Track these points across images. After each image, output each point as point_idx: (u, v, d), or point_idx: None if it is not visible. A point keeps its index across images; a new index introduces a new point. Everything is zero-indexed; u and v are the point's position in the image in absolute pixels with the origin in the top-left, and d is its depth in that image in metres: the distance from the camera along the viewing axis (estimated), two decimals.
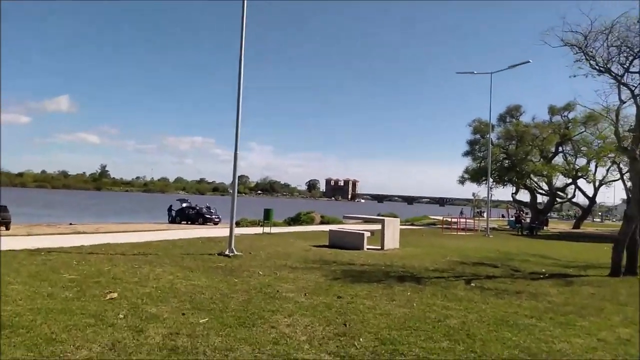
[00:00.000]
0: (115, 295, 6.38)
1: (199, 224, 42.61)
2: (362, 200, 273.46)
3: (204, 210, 44.97)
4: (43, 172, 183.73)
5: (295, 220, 40.49)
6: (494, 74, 28.94)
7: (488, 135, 37.79)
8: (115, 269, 8.94)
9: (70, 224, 38.13)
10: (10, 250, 10.72)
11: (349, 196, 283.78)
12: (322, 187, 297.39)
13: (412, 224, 42.09)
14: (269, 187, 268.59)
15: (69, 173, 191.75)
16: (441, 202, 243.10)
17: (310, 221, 40.57)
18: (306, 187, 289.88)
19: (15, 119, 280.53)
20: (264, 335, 4.99)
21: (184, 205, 45.82)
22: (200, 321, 5.37)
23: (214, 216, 44.21)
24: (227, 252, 11.35)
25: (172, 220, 44.55)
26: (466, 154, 43.97)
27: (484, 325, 5.81)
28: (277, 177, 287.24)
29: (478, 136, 42.91)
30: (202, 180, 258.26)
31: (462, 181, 45.19)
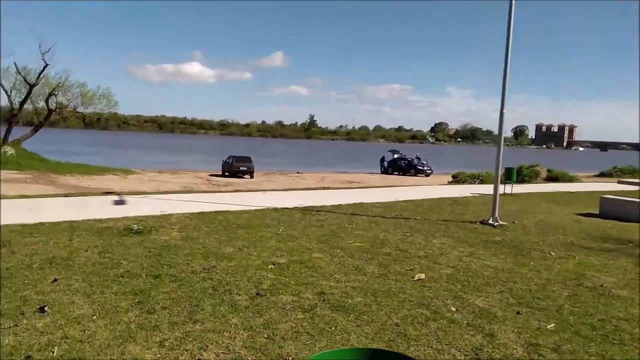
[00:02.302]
0: (423, 276, 6.08)
1: (411, 175, 42.64)
2: (581, 149, 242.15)
3: (415, 161, 44.70)
4: (263, 122, 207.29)
5: (516, 175, 37.16)
6: None
7: None
8: (388, 235, 8.86)
9: (298, 172, 41.96)
10: (284, 208, 11.67)
11: (564, 144, 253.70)
12: (531, 133, 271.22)
13: None
14: (469, 135, 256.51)
15: (284, 123, 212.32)
16: None
17: (535, 176, 36.75)
18: (512, 134, 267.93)
19: (240, 75, 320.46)
20: None
21: (396, 156, 46.26)
22: (548, 327, 4.64)
23: (425, 167, 43.69)
24: (490, 221, 10.45)
25: (385, 171, 45.55)
26: None
27: None
28: (477, 124, 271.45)
29: None
30: (400, 128, 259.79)
31: None
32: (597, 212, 13.10)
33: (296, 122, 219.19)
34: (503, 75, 10.55)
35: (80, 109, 34.53)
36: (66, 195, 12.62)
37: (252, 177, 33.37)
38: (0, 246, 6.95)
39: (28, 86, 30.63)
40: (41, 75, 30.86)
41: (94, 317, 4.56)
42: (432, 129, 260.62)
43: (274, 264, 6.51)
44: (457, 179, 33.92)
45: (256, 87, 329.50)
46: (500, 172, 11.00)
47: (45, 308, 4.67)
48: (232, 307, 4.90)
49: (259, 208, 11.61)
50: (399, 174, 43.50)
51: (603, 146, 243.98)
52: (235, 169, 33.32)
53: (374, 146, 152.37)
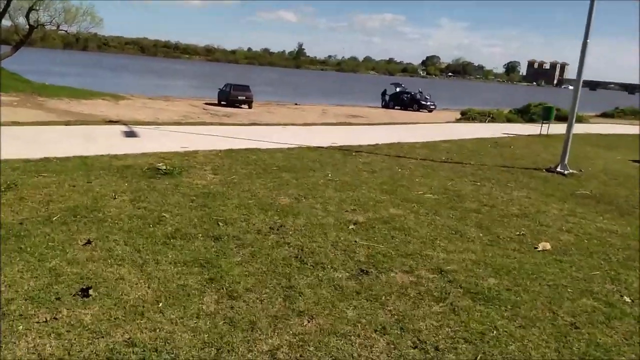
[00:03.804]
0: (548, 246, 4.92)
1: (414, 110, 41.02)
2: (571, 87, 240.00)
3: (418, 95, 42.87)
4: (249, 49, 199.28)
5: (523, 113, 35.92)
6: None
7: None
8: (457, 185, 7.67)
9: (296, 104, 40.01)
10: (319, 147, 10.30)
11: (555, 82, 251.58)
12: (523, 70, 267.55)
13: None
14: (461, 69, 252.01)
15: (272, 51, 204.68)
16: None
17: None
18: (504, 69, 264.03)
19: None
20: None
21: (398, 89, 44.27)
22: None
23: (429, 102, 42.01)
24: (559, 168, 9.27)
25: (386, 105, 43.77)
26: None
27: None
28: (469, 58, 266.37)
29: None
30: (390, 60, 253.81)
31: None
32: None
33: (284, 51, 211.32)
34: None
35: (64, 27, 31.52)
36: (66, 124, 11.00)
37: (250, 107, 31.38)
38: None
39: None
40: None
41: (160, 304, 3.32)
42: (423, 62, 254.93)
43: (354, 224, 5.27)
44: (466, 116, 32.53)
45: (242, 11, 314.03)
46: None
47: (90, 291, 3.39)
48: (337, 289, 3.69)
49: (291, 146, 10.23)
50: (400, 109, 41.87)
51: (593, 85, 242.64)
52: (234, 98, 31.17)
53: (365, 78, 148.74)
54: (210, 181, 6.80)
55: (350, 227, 5.14)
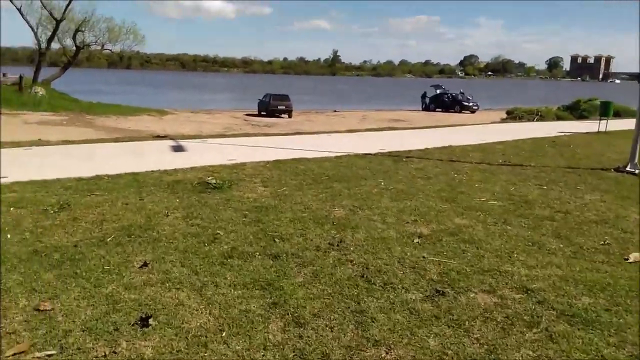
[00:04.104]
0: (639, 257, 4.39)
1: (456, 111, 40.08)
2: (617, 81, 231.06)
3: (460, 96, 41.85)
4: (285, 59, 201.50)
5: (572, 109, 34.36)
6: None
7: None
8: (521, 189, 7.14)
9: (335, 111, 39.87)
10: (367, 154, 9.96)
11: (600, 76, 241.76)
12: (566, 65, 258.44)
13: None
14: (501, 68, 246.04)
15: (307, 59, 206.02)
16: None
17: (594, 111, 33.80)
18: (546, 65, 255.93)
19: (260, 10, 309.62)
20: None
21: (439, 91, 43.42)
22: None
23: (471, 103, 40.96)
24: (629, 168, 8.57)
25: (426, 108, 43.01)
26: None
27: None
28: (509, 56, 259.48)
29: None
30: (427, 63, 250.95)
31: None
32: None
33: (319, 58, 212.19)
34: None
35: (108, 46, 32.63)
36: (115, 141, 11.14)
37: (290, 116, 31.49)
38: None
39: (54, 22, 28.71)
40: (67, 10, 28.85)
41: (223, 333, 3.06)
42: (461, 63, 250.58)
43: (419, 237, 4.90)
44: (512, 115, 31.41)
45: (277, 22, 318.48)
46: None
47: (150, 320, 3.18)
48: (412, 314, 3.34)
49: (338, 154, 9.94)
50: (441, 111, 41.01)
51: None
52: (273, 107, 31.37)
53: (402, 81, 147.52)
54: (261, 194, 6.58)
55: (415, 241, 4.77)
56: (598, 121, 16.01)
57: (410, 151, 10.58)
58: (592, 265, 4.21)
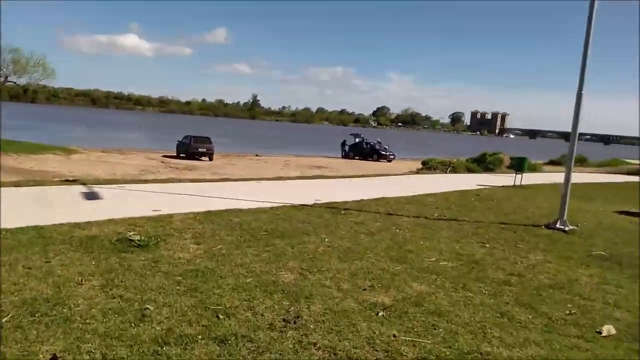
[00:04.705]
0: (613, 330, 4.19)
1: (374, 160, 41.17)
2: (512, 136, 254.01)
3: (378, 146, 43.21)
4: (203, 100, 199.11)
5: (479, 162, 36.61)
6: None
7: None
8: (465, 248, 6.97)
9: (257, 155, 39.32)
10: (304, 205, 9.45)
11: (497, 131, 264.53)
12: (467, 120, 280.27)
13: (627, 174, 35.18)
14: (410, 120, 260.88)
15: (226, 102, 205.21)
16: (605, 140, 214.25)
17: (499, 163, 36.26)
18: (449, 120, 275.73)
19: (180, 50, 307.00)
20: None
21: (357, 140, 44.54)
22: None
23: (388, 152, 42.36)
24: (558, 225, 8.81)
25: (346, 155, 43.81)
26: None
27: None
28: (417, 109, 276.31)
29: None
30: (343, 111, 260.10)
31: None
32: (637, 209, 11.92)
33: (239, 102, 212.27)
34: (583, 55, 8.78)
35: (13, 79, 29.95)
36: (16, 185, 9.66)
37: (211, 159, 30.41)
38: None
39: None
40: None
41: None
42: (374, 113, 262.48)
43: (382, 308, 4.40)
44: (428, 166, 32.71)
45: (198, 64, 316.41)
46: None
47: None
48: None
49: (274, 205, 9.34)
50: (360, 159, 41.99)
51: (532, 134, 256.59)
52: (194, 150, 30.15)
53: (320, 128, 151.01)
54: (195, 254, 5.80)
55: (379, 314, 4.26)
56: (514, 175, 16.89)
57: (346, 202, 10.25)
58: (570, 342, 3.94)
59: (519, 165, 16.77)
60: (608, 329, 4.16)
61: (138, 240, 6.07)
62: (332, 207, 9.52)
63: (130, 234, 6.37)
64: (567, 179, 9.16)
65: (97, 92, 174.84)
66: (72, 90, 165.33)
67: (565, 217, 8.88)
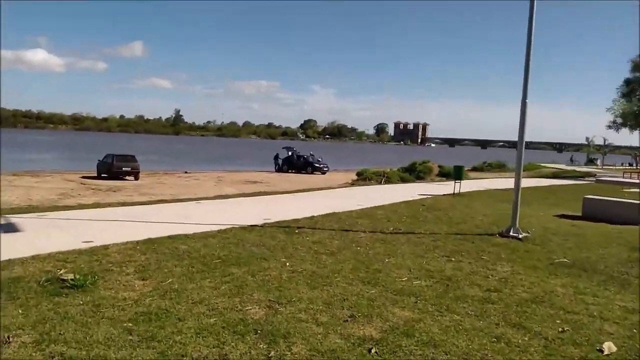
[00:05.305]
0: (614, 348, 3.99)
1: (308, 172, 40.97)
2: (433, 145, 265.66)
3: (311, 158, 43.09)
4: (122, 116, 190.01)
5: (410, 171, 37.48)
6: None
7: None
8: (433, 263, 6.69)
9: (186, 172, 37.67)
10: (253, 225, 8.80)
11: (419, 140, 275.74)
12: (391, 130, 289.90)
13: (550, 177, 37.58)
14: (337, 132, 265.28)
15: (146, 117, 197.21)
16: (482, 144, 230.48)
17: (429, 172, 37.37)
18: (374, 131, 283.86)
19: (93, 65, 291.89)
20: None
21: (290, 153, 44.17)
22: None
23: (322, 165, 42.35)
24: (512, 233, 8.82)
25: (279, 169, 43.26)
26: (625, 95, 37.99)
27: None
28: (343, 121, 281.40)
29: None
30: (270, 125, 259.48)
31: (616, 127, 39.62)
32: (579, 213, 12.41)
33: (160, 117, 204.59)
34: (525, 66, 8.93)
35: None
36: None
37: (137, 178, 28.62)
38: None
39: None
40: None
41: None
42: (301, 126, 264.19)
43: (373, 343, 3.93)
44: (363, 177, 32.93)
45: (114, 79, 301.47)
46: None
47: None
48: None
49: (221, 227, 8.62)
50: (294, 172, 41.61)
51: (451, 142, 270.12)
52: (117, 169, 28.20)
53: (248, 142, 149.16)
54: (142, 291, 5.02)
55: (372, 351, 3.78)
56: (449, 183, 17.22)
57: (298, 220, 9.73)
58: None
59: (457, 174, 17.10)
60: (609, 347, 3.96)
61: (71, 279, 5.18)
62: (284, 227, 8.95)
63: (61, 272, 5.46)
64: (517, 186, 9.25)
65: (4, 111, 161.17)
66: None
67: (517, 225, 8.93)
